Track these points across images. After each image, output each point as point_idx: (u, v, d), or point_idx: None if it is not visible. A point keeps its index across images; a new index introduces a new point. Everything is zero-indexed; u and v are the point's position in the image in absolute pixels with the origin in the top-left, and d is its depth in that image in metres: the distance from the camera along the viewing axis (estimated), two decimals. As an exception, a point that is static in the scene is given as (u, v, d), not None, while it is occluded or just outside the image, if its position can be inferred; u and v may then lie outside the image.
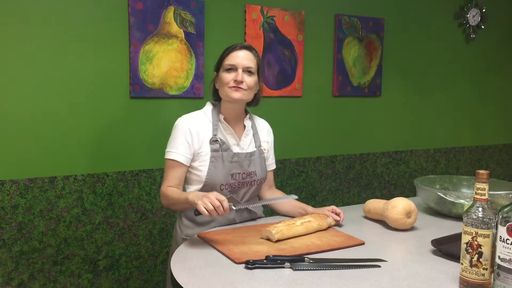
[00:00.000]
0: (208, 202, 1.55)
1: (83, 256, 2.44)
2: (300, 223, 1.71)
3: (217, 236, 1.71)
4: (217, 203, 1.55)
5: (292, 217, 1.95)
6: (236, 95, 1.83)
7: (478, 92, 3.86)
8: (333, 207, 1.91)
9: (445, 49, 3.63)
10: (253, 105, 1.98)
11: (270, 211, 2.17)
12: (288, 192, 2.23)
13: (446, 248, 1.57)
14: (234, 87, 1.83)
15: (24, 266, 2.29)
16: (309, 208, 1.94)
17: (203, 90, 2.65)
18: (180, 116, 1.90)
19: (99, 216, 2.46)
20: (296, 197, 1.78)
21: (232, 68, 1.84)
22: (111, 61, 2.42)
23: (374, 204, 1.95)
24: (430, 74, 3.58)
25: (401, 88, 3.46)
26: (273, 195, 2.07)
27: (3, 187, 2.22)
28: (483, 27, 3.72)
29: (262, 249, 1.58)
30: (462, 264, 1.31)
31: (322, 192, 3.18)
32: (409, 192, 3.54)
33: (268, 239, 1.66)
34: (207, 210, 1.54)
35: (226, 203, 1.56)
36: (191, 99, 2.64)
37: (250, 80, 1.85)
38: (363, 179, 3.36)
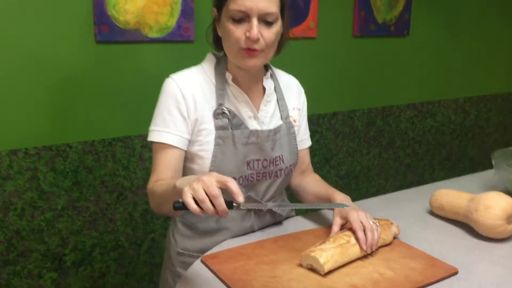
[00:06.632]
0: (201, 188, 0.95)
1: (43, 252, 1.91)
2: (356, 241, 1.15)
3: (232, 264, 1.13)
4: (215, 191, 0.94)
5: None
6: (250, 62, 1.21)
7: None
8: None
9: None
10: (274, 55, 1.34)
11: (290, 198, 1.60)
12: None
13: None
14: (246, 49, 1.19)
15: (-37, 271, 1.74)
16: (336, 194, 1.32)
17: (193, 32, 2.03)
18: (167, 72, 1.28)
19: (62, 200, 1.90)
20: (348, 205, 1.18)
21: (243, 17, 1.18)
22: (67, -8, 1.77)
23: (451, 199, 1.38)
24: (464, 9, 2.98)
25: (432, 25, 2.86)
26: (309, 186, 1.46)
27: None
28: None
29: (307, 292, 1.02)
30: None
31: (338, 155, 2.64)
32: (434, 149, 3.03)
33: (311, 269, 1.11)
34: (196, 203, 0.94)
35: (235, 186, 0.96)
36: (178, 43, 2.03)
37: (269, 35, 1.19)
38: (385, 137, 2.82)
